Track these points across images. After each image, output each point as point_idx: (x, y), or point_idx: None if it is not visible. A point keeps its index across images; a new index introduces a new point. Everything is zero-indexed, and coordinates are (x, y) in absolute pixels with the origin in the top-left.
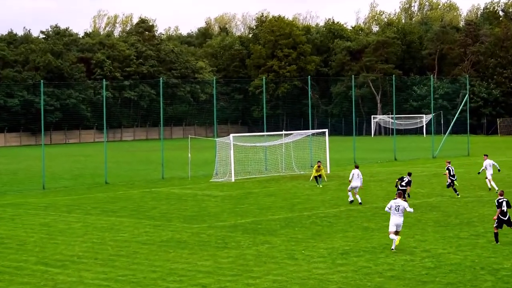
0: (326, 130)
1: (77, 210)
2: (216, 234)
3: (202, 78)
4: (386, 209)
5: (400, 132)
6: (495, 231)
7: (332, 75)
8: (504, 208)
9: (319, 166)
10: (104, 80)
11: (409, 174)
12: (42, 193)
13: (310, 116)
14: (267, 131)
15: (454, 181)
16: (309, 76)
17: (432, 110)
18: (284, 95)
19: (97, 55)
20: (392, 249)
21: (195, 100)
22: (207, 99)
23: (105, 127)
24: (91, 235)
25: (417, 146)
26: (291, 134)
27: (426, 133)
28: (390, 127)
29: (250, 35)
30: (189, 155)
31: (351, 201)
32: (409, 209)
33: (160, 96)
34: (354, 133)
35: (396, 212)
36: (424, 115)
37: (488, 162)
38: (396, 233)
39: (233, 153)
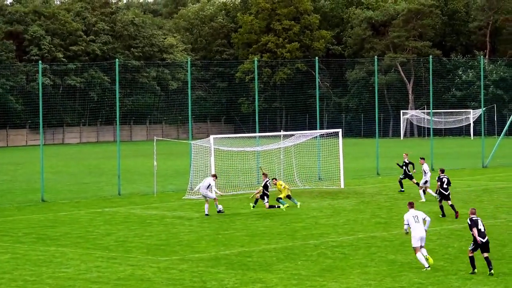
0: (340, 130)
1: (3, 237)
2: (191, 270)
3: (173, 59)
4: (405, 227)
5: (439, 132)
6: (470, 254)
7: (348, 56)
8: (481, 227)
9: (275, 185)
10: (40, 62)
11: (442, 171)
12: None
13: (318, 111)
14: (259, 131)
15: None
16: (316, 58)
17: (482, 102)
18: (284, 83)
19: (32, 28)
20: (427, 267)
21: (163, 89)
22: (180, 88)
23: (41, 126)
24: (22, 270)
25: (462, 152)
26: (293, 135)
27: (474, 134)
28: (426, 126)
29: (238, 2)
30: (155, 163)
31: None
32: (428, 221)
33: (116, 83)
34: (377, 134)
35: (417, 223)
36: (471, 110)
37: (426, 167)
38: (421, 248)
39: (214, 161)
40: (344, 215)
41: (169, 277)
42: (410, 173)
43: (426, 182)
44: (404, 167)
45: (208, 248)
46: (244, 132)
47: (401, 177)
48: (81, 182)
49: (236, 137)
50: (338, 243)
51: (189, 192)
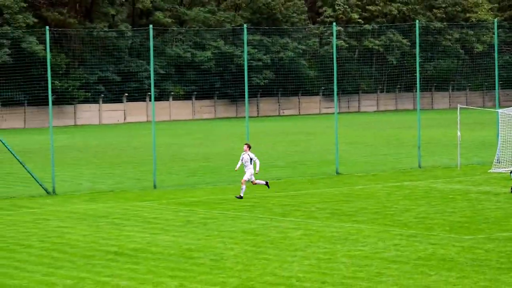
0: None
1: (296, 213)
2: (498, 250)
3: (478, 19)
4: None
5: None
6: None
7: None
8: None
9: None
10: (335, 24)
11: None
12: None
13: None
14: None
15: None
16: None
17: None
18: None
19: None
20: None
21: (467, 52)
22: (485, 52)
23: (335, 93)
24: (315, 248)
25: None
26: None
27: None
28: None
29: None
30: (459, 134)
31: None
32: None
33: (416, 47)
34: None
35: None
36: None
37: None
38: None
39: None
40: None
41: (474, 257)
42: None
43: None
44: None
45: None
46: None
47: None
48: (378, 154)
49: None
50: None
51: (495, 165)
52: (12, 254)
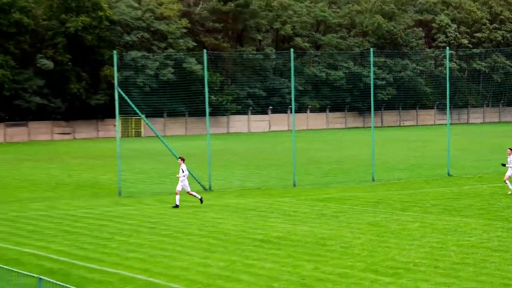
0: None
1: (413, 208)
2: None
3: None
4: None
5: None
6: None
7: None
8: None
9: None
10: (447, 48)
11: None
12: (371, 186)
13: None
14: None
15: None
16: None
17: None
18: None
19: (439, 17)
20: None
21: None
22: None
23: (448, 107)
24: (430, 238)
25: None
26: None
27: None
28: None
29: None
30: None
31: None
32: None
33: None
34: None
35: None
36: None
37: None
38: None
39: None
40: None
41: None
42: None
43: None
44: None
45: None
46: None
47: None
48: (484, 159)
49: None
50: None
51: None
52: (175, 240)
